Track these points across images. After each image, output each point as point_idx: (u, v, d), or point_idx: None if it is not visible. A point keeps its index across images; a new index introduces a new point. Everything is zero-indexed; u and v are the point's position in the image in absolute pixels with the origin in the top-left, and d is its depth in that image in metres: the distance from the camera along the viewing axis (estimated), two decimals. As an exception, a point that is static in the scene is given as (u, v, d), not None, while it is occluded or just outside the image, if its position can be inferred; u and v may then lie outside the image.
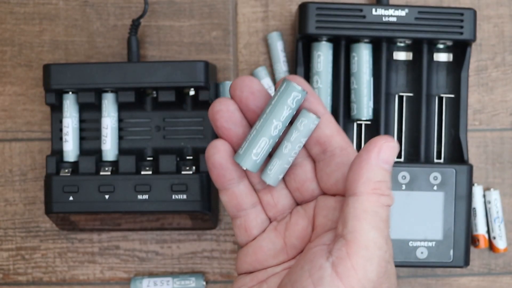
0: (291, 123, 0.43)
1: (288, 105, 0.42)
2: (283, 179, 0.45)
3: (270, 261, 0.45)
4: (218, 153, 0.43)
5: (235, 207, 0.45)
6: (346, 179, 0.41)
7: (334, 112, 0.62)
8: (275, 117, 0.42)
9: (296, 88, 0.41)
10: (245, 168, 0.42)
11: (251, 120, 0.43)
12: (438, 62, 0.63)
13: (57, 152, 0.60)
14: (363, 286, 0.39)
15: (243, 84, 0.43)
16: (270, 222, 0.45)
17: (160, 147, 0.61)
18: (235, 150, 0.43)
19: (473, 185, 0.64)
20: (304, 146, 0.44)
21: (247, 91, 0.43)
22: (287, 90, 0.41)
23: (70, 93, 0.59)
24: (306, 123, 0.42)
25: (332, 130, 0.43)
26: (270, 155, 0.43)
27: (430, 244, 0.60)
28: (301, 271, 0.40)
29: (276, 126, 0.42)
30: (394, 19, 0.60)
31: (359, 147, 0.63)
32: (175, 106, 0.60)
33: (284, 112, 0.41)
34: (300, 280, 0.40)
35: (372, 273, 0.39)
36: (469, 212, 0.60)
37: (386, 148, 0.41)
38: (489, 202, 0.64)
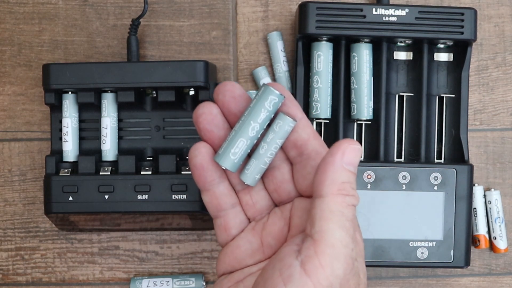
0: (269, 125, 0.44)
1: (266, 108, 0.43)
2: (262, 180, 0.46)
3: (247, 260, 0.46)
4: (200, 155, 0.45)
5: (216, 207, 0.46)
6: (313, 182, 0.43)
7: (334, 112, 0.62)
8: (252, 119, 0.43)
9: (274, 92, 0.43)
10: (224, 168, 0.44)
11: (233, 123, 0.45)
12: (439, 61, 0.63)
13: (57, 152, 0.60)
14: (330, 282, 0.40)
15: (225, 88, 0.44)
16: (249, 222, 0.47)
17: (160, 147, 0.61)
18: (216, 152, 0.45)
19: (474, 185, 0.63)
20: (282, 149, 0.45)
21: (229, 95, 0.44)
22: (265, 94, 0.43)
23: (70, 93, 0.59)
24: (282, 125, 0.44)
25: (308, 134, 0.45)
26: (249, 156, 0.45)
27: (430, 244, 0.60)
28: (272, 270, 0.42)
29: (253, 127, 0.44)
30: (394, 19, 0.59)
31: (359, 147, 0.63)
32: (175, 106, 0.60)
33: (261, 115, 0.43)
34: (272, 278, 0.41)
35: (339, 270, 0.41)
36: (470, 212, 0.60)
37: (350, 151, 0.42)
38: (490, 202, 0.64)
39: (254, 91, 0.63)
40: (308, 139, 0.45)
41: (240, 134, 0.43)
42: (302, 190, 0.46)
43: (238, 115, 0.44)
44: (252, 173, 0.45)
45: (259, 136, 0.44)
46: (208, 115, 0.44)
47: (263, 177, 0.46)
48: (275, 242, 0.46)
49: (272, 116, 0.44)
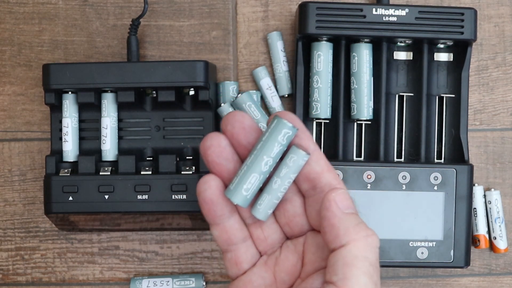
0: (282, 158, 0.43)
1: (279, 142, 0.42)
2: (274, 213, 0.45)
3: None
4: (209, 189, 0.43)
5: (226, 242, 0.45)
6: (324, 238, 0.42)
7: (334, 112, 0.62)
8: (265, 154, 0.42)
9: (287, 125, 0.42)
10: (235, 204, 0.42)
11: (242, 155, 0.43)
12: (439, 61, 0.63)
13: (57, 152, 0.60)
14: None
15: (234, 119, 0.42)
16: (261, 256, 0.45)
17: (159, 147, 0.61)
18: (226, 184, 0.43)
19: (474, 185, 0.63)
20: (294, 181, 0.44)
21: (238, 126, 0.42)
22: (278, 127, 0.42)
23: (70, 93, 0.59)
24: (295, 159, 0.42)
25: (321, 166, 0.43)
26: (261, 190, 0.44)
27: (430, 244, 0.60)
28: None
29: (266, 162, 0.42)
30: (394, 19, 0.59)
31: (359, 147, 0.63)
32: (175, 106, 0.60)
33: (274, 149, 0.42)
34: None
35: None
36: (470, 212, 0.60)
37: (339, 198, 0.42)
38: (490, 202, 0.64)
39: (255, 91, 0.63)
40: (322, 172, 0.43)
41: (252, 169, 0.42)
42: (315, 224, 0.44)
43: (247, 147, 0.43)
44: (264, 209, 0.43)
45: (271, 170, 0.43)
46: (216, 148, 0.42)
47: (274, 210, 0.45)
48: (288, 277, 0.44)
49: (285, 149, 0.42)
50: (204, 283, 0.64)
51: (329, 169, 0.43)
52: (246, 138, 0.43)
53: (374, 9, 0.59)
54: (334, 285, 0.40)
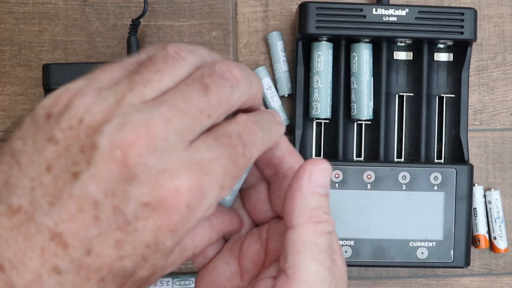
0: None
1: None
2: (241, 200, 0.43)
3: (226, 285, 0.42)
4: None
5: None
6: (283, 211, 0.39)
7: (334, 112, 0.62)
8: None
9: None
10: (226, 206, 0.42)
11: None
12: (439, 61, 0.63)
13: (57, 152, 0.60)
14: None
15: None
16: (226, 242, 0.43)
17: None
18: None
19: (474, 185, 0.63)
20: (258, 168, 0.42)
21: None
22: None
23: (70, 93, 0.59)
24: None
25: (283, 151, 0.41)
26: None
27: (430, 244, 0.60)
28: None
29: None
30: (394, 19, 0.59)
31: (359, 147, 0.63)
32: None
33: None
34: None
35: None
36: (470, 212, 0.60)
37: (317, 172, 0.39)
38: (490, 202, 0.64)
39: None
40: (283, 156, 0.41)
41: None
42: (278, 211, 0.42)
43: None
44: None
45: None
46: None
47: (241, 197, 0.43)
48: (251, 266, 0.42)
49: None
50: (204, 283, 0.64)
51: (292, 153, 0.41)
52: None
53: (374, 9, 0.59)
54: (285, 274, 0.38)
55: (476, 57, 0.65)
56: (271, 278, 0.39)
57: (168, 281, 0.63)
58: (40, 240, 0.31)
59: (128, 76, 0.36)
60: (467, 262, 0.60)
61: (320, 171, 0.39)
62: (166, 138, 0.32)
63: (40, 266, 0.31)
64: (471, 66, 0.64)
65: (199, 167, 0.32)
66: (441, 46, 0.62)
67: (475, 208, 0.64)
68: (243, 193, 0.43)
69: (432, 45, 0.62)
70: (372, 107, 0.62)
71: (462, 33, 0.60)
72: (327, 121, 0.62)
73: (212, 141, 0.33)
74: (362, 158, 0.62)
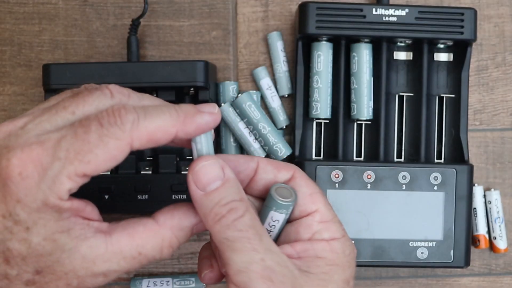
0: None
1: (285, 219, 0.43)
2: None
3: None
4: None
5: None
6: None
7: (334, 112, 0.62)
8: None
9: (285, 206, 0.43)
10: None
11: None
12: (439, 61, 0.63)
13: (57, 152, 0.60)
14: None
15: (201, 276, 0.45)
16: None
17: (159, 147, 0.61)
18: None
19: (474, 185, 0.63)
20: (252, 194, 0.45)
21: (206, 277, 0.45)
22: (279, 209, 0.43)
23: (70, 93, 0.59)
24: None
25: (272, 172, 0.44)
26: None
27: (430, 244, 0.60)
28: None
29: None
30: (394, 19, 0.59)
31: (359, 147, 0.63)
32: (175, 106, 0.60)
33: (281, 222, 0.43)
34: None
35: None
36: (470, 212, 0.60)
37: (198, 175, 0.41)
38: (490, 202, 0.64)
39: (254, 91, 0.63)
40: (275, 176, 0.44)
41: None
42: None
43: None
44: None
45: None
46: (210, 276, 0.45)
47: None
48: None
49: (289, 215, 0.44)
50: (204, 284, 0.64)
51: (279, 169, 0.44)
52: None
53: (374, 9, 0.59)
54: (227, 275, 0.41)
55: (476, 57, 0.65)
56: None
57: (168, 281, 0.63)
58: None
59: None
60: (467, 262, 0.60)
61: (200, 171, 0.41)
62: (23, 127, 0.38)
63: None
64: (471, 66, 0.64)
65: (40, 144, 0.37)
66: (441, 46, 0.62)
67: (475, 208, 0.64)
68: None
69: (432, 45, 0.62)
70: (372, 107, 0.62)
71: (462, 33, 0.60)
72: (327, 121, 0.62)
73: (67, 126, 0.38)
74: (362, 158, 0.62)
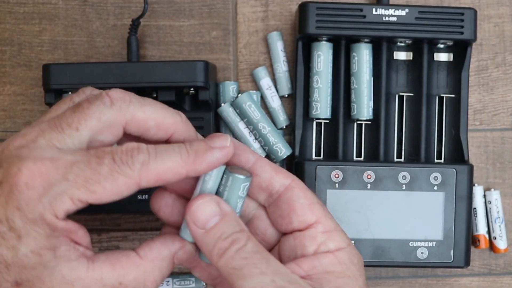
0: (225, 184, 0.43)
1: (240, 196, 0.43)
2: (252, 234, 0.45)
3: None
4: (183, 254, 0.44)
5: (210, 278, 0.46)
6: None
7: (334, 112, 0.62)
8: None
9: (242, 179, 0.42)
10: (190, 241, 0.43)
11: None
12: (439, 61, 0.63)
13: (57, 152, 0.60)
14: None
15: (156, 204, 0.45)
16: None
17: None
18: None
19: (474, 185, 0.63)
20: (252, 196, 0.45)
21: (163, 210, 0.45)
22: (235, 185, 0.42)
23: (70, 93, 0.59)
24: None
25: (269, 172, 0.44)
26: None
27: (430, 244, 0.60)
28: None
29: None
30: (394, 19, 0.59)
31: (359, 147, 0.63)
32: (175, 105, 0.60)
33: (238, 204, 0.43)
34: None
35: None
36: (470, 212, 0.60)
37: (196, 214, 0.42)
38: (490, 202, 0.64)
39: (254, 91, 0.63)
40: (271, 177, 0.44)
41: None
42: (282, 228, 0.44)
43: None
44: None
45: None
46: (165, 208, 0.44)
47: (250, 230, 0.44)
48: None
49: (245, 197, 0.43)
50: (204, 283, 0.64)
51: (278, 171, 0.44)
52: (173, 216, 0.44)
53: (374, 9, 0.59)
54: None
55: (476, 57, 0.65)
56: None
57: (168, 281, 0.63)
58: None
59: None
60: (467, 262, 0.60)
61: (197, 210, 0.41)
62: (35, 141, 0.39)
63: None
64: (471, 66, 0.64)
65: (53, 161, 0.38)
66: (441, 46, 0.62)
67: (475, 208, 0.64)
68: (250, 227, 0.45)
69: (432, 45, 0.62)
70: (372, 107, 0.62)
71: (462, 33, 0.60)
72: (327, 121, 0.62)
73: (82, 152, 0.39)
74: (362, 158, 0.62)
